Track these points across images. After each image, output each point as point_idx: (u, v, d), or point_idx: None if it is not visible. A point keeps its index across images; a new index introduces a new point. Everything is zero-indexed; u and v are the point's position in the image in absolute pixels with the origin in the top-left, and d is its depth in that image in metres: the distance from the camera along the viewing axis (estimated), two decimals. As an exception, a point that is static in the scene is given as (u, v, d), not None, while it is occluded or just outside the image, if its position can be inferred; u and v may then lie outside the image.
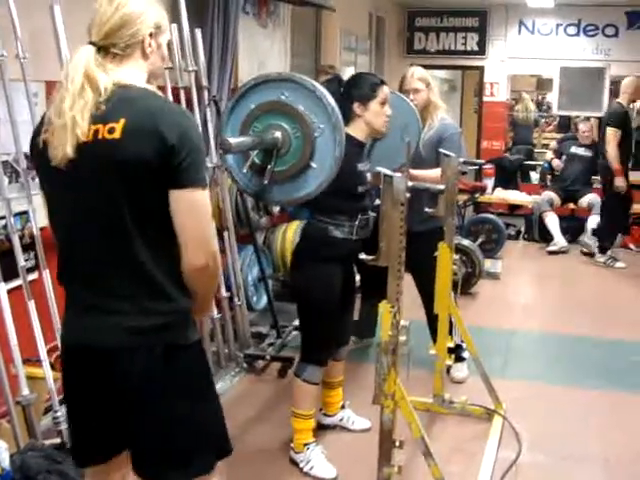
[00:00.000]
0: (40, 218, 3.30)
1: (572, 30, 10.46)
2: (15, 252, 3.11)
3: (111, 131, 1.81)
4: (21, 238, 3.26)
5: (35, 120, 3.25)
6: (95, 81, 1.83)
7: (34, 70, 3.28)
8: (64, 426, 3.15)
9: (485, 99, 10.93)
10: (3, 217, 3.16)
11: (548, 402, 4.23)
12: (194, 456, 1.98)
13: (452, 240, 3.73)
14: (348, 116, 3.16)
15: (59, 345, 3.23)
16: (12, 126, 3.15)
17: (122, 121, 1.81)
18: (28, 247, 3.35)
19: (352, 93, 3.27)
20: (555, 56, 10.43)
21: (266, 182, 2.63)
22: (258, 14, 5.74)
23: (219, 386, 4.15)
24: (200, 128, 4.35)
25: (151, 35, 1.92)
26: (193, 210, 1.85)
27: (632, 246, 8.35)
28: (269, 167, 2.61)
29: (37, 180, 3.33)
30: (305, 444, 3.38)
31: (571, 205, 8.56)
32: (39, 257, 3.24)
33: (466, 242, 6.48)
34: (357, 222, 3.21)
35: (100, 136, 1.82)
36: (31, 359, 3.16)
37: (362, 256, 2.60)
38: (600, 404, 4.22)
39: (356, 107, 3.25)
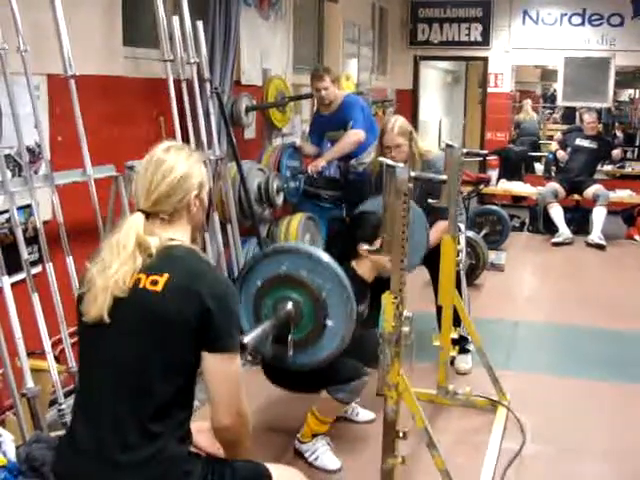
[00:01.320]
0: (43, 211, 3.32)
1: (577, 20, 10.42)
2: (19, 245, 3.12)
3: (154, 283, 1.89)
4: (24, 231, 3.26)
5: (37, 114, 3.28)
6: (146, 245, 1.92)
7: (35, 63, 3.28)
8: (69, 418, 3.16)
9: (489, 90, 10.91)
10: (6, 211, 3.16)
11: (552, 393, 4.23)
12: None
13: (456, 232, 3.73)
14: (354, 254, 3.30)
15: (63, 338, 3.25)
16: (14, 119, 3.15)
17: (166, 276, 1.89)
18: (31, 240, 3.36)
19: (356, 234, 3.36)
20: (559, 46, 10.40)
21: (290, 353, 2.72)
22: (260, 5, 5.72)
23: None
24: (202, 121, 4.37)
25: (196, 196, 2.03)
26: (224, 375, 1.93)
27: (637, 237, 8.33)
28: (289, 338, 2.70)
29: (40, 173, 3.37)
30: (314, 435, 3.38)
31: (576, 196, 8.54)
32: (42, 250, 3.24)
33: (470, 234, 6.46)
34: None
35: (141, 285, 1.89)
36: (35, 352, 3.16)
37: (365, 246, 2.61)
38: (604, 395, 4.21)
39: (360, 248, 3.33)
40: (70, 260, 3.32)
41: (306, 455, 3.37)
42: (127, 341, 1.90)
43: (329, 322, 2.71)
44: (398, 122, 4.05)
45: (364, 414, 3.75)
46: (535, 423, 3.75)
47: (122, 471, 1.87)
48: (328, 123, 5.59)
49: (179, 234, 2.01)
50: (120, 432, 1.88)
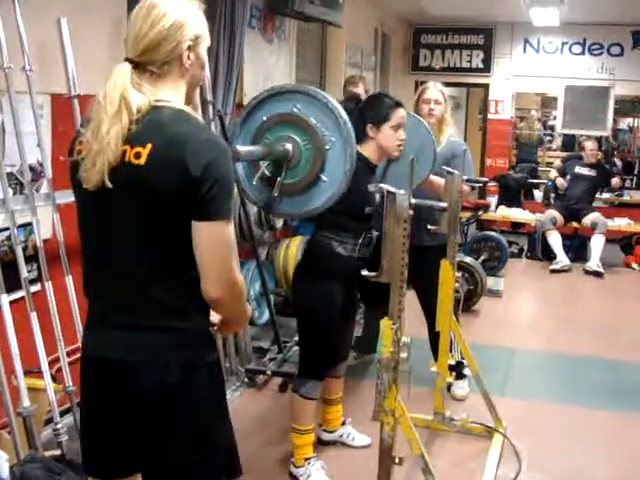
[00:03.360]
0: (44, 230, 3.33)
1: (577, 49, 10.51)
2: (18, 263, 3.12)
3: (137, 156, 1.77)
4: (24, 250, 3.27)
5: (40, 132, 3.30)
6: (129, 102, 1.77)
7: (40, 82, 3.30)
8: (64, 438, 3.16)
9: (490, 116, 10.98)
10: (7, 228, 3.17)
11: (549, 421, 4.22)
12: (206, 472, 1.97)
13: (454, 257, 3.74)
14: (361, 136, 3.17)
15: (61, 357, 3.25)
16: (17, 138, 3.17)
17: (149, 146, 1.77)
18: (31, 259, 3.36)
19: (366, 114, 3.29)
20: (560, 74, 10.47)
21: (275, 194, 2.61)
22: (264, 29, 5.77)
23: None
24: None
25: (190, 48, 1.85)
26: (213, 243, 1.81)
27: (635, 265, 8.35)
28: (279, 179, 2.59)
29: (41, 192, 3.38)
30: (306, 459, 3.37)
31: (574, 224, 8.56)
32: (42, 269, 3.24)
33: (468, 259, 6.49)
34: (361, 240, 3.21)
35: (127, 158, 1.78)
36: (32, 370, 3.15)
37: (364, 272, 2.60)
38: (601, 424, 4.20)
39: (369, 129, 3.27)
40: (69, 279, 3.33)
41: (300, 479, 3.36)
42: (116, 211, 1.83)
43: (324, 177, 2.59)
44: (438, 83, 4.37)
45: (360, 439, 3.74)
46: (531, 451, 3.74)
47: (129, 330, 1.88)
48: None
49: (169, 92, 1.85)
50: (132, 298, 1.88)
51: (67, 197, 3.40)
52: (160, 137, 1.77)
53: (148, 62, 1.82)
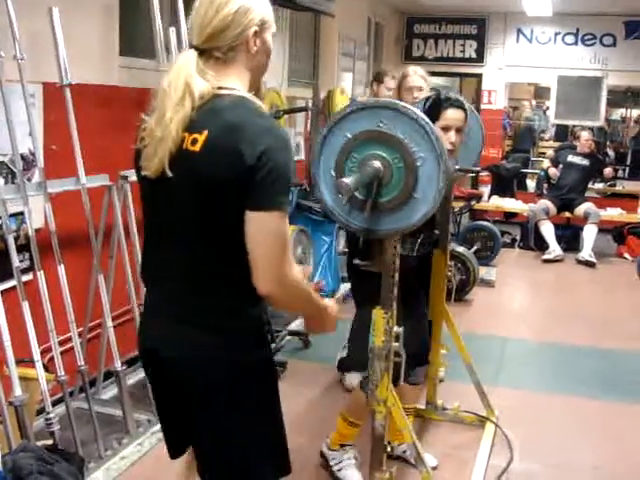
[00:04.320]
0: (36, 219, 3.32)
1: (570, 39, 10.50)
2: (10, 253, 3.11)
3: (194, 142, 1.76)
4: (16, 239, 3.26)
5: (32, 121, 3.28)
6: (192, 89, 1.77)
7: (31, 71, 3.28)
8: (56, 427, 3.15)
9: (483, 107, 10.96)
10: (-1, 217, 3.16)
11: (540, 410, 4.24)
12: (252, 469, 1.97)
13: (447, 246, 3.74)
14: None
15: (53, 346, 3.25)
16: (9, 127, 3.15)
17: (205, 133, 1.75)
18: (23, 248, 3.35)
19: (432, 114, 3.20)
20: (553, 65, 10.47)
21: (366, 215, 2.43)
22: (257, 19, 5.74)
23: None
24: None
25: (256, 33, 1.83)
26: (264, 235, 1.75)
27: (627, 255, 8.37)
28: (370, 200, 2.42)
29: (33, 181, 3.37)
30: (342, 445, 3.34)
31: (567, 214, 8.58)
32: (34, 258, 3.23)
33: (461, 249, 6.49)
34: (420, 239, 3.09)
35: (184, 146, 1.77)
36: (24, 360, 3.15)
37: (356, 261, 2.59)
38: (593, 413, 4.23)
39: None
40: (61, 268, 3.31)
41: (331, 463, 3.35)
42: (173, 199, 1.83)
43: (415, 195, 2.39)
44: (419, 68, 4.22)
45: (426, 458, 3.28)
46: (523, 439, 3.76)
47: (180, 324, 1.88)
48: None
49: (233, 79, 1.83)
50: (186, 290, 1.88)
51: (59, 186, 3.41)
52: (216, 124, 1.75)
53: (213, 48, 1.81)
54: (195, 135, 1.76)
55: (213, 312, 1.86)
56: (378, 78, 5.13)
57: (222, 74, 1.82)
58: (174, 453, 2.17)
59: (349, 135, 2.41)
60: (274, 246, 1.76)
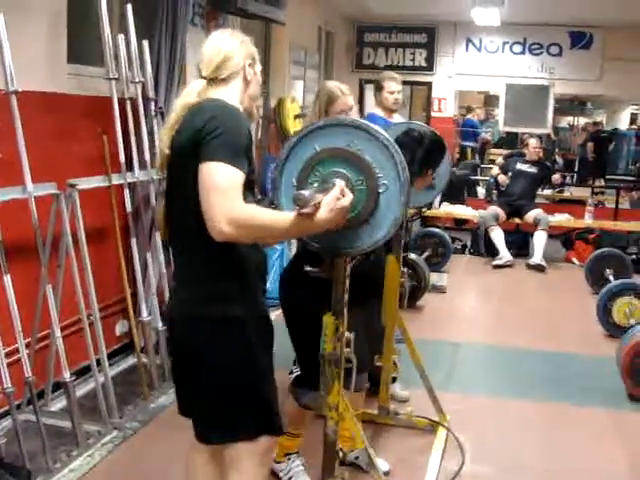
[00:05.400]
0: (4, 223, 3.25)
1: (518, 48, 10.69)
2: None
3: (178, 131, 2.23)
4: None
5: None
6: (185, 102, 2.27)
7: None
8: (2, 440, 3.10)
9: (433, 114, 11.08)
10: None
11: (491, 414, 4.29)
12: (236, 420, 2.27)
13: (400, 252, 3.77)
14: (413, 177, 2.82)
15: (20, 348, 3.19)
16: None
17: (182, 122, 2.23)
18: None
19: (431, 160, 3.37)
20: (501, 73, 10.64)
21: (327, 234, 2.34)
22: (206, 26, 5.73)
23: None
24: (145, 139, 4.34)
25: (250, 65, 2.35)
26: (206, 184, 2.03)
27: (575, 260, 8.52)
28: None
29: None
30: (286, 454, 3.33)
31: (516, 220, 8.70)
32: (1, 262, 3.18)
33: (413, 256, 6.53)
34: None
35: (173, 144, 2.24)
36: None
37: (307, 268, 2.59)
38: (542, 416, 4.29)
39: (428, 173, 3.38)
40: (7, 279, 3.26)
41: (280, 475, 3.33)
42: (173, 184, 2.27)
43: (371, 220, 2.36)
44: (342, 85, 3.58)
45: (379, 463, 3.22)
46: (474, 443, 3.80)
47: (178, 301, 2.33)
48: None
49: (228, 94, 2.29)
50: (179, 265, 2.35)
51: (5, 195, 3.35)
52: (194, 114, 2.18)
53: (217, 77, 2.30)
54: (179, 127, 2.23)
55: (195, 272, 2.24)
56: (378, 86, 5.12)
57: (218, 91, 2.29)
58: (181, 411, 2.44)
59: (317, 148, 2.39)
60: (215, 193, 2.01)
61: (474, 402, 4.45)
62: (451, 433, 3.85)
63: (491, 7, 8.43)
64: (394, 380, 4.27)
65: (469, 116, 13.71)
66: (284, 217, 2.13)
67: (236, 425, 2.28)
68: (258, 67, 2.41)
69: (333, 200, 2.13)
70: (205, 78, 2.30)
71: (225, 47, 2.32)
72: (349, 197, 2.19)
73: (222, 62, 2.29)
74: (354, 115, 3.77)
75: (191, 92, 2.27)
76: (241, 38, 2.38)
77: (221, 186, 2.01)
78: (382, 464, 3.36)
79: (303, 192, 2.17)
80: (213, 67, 2.29)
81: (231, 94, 2.30)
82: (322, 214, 2.11)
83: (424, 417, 3.97)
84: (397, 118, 5.08)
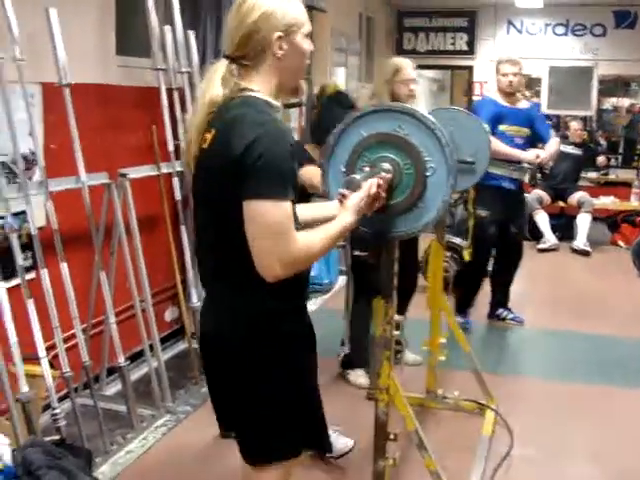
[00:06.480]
0: (38, 218, 3.35)
1: (560, 30, 10.56)
2: (14, 251, 3.15)
3: (205, 141, 1.90)
4: (19, 238, 3.29)
5: (33, 121, 3.32)
6: (206, 96, 1.91)
7: (30, 72, 3.31)
8: (63, 423, 3.20)
9: (475, 98, 11.00)
10: (1, 217, 3.19)
11: (540, 397, 4.29)
12: (275, 438, 2.03)
13: (443, 236, 3.79)
14: None
15: (57, 343, 3.29)
16: (10, 127, 3.18)
17: (212, 132, 1.88)
18: (26, 247, 3.38)
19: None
20: (544, 55, 10.52)
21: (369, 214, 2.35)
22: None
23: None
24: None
25: (280, 38, 1.89)
26: (255, 224, 1.78)
27: (621, 243, 8.43)
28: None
29: (34, 180, 3.40)
30: None
31: (560, 203, 8.63)
32: (37, 256, 3.27)
33: (457, 240, 6.51)
34: None
35: (202, 145, 1.92)
36: (30, 357, 3.18)
37: (356, 252, 2.63)
38: (591, 399, 4.28)
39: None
40: (64, 266, 3.35)
41: None
42: (202, 192, 1.97)
43: (420, 203, 2.37)
44: (407, 60, 4.21)
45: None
46: (523, 426, 3.80)
47: (205, 315, 2.08)
48: (510, 115, 5.31)
49: (257, 82, 1.92)
50: (206, 277, 2.06)
51: (60, 185, 3.44)
52: (221, 122, 1.87)
53: (241, 56, 1.91)
54: (207, 134, 1.89)
55: (232, 291, 1.96)
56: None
57: (248, 78, 1.91)
58: (222, 430, 2.31)
59: (364, 134, 2.41)
60: (267, 236, 1.79)
61: (522, 385, 4.46)
62: (499, 416, 3.86)
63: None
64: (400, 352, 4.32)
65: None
66: (332, 227, 1.99)
67: (283, 444, 2.06)
68: (300, 35, 1.95)
69: (358, 200, 2.09)
70: (228, 57, 1.93)
71: (250, 16, 1.88)
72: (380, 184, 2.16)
73: (245, 38, 1.89)
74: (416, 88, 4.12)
75: (214, 80, 1.91)
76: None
77: (272, 228, 1.78)
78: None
79: (355, 176, 2.21)
80: (235, 44, 1.91)
81: (263, 83, 1.93)
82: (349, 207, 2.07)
83: (472, 400, 3.98)
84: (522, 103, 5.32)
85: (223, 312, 1.97)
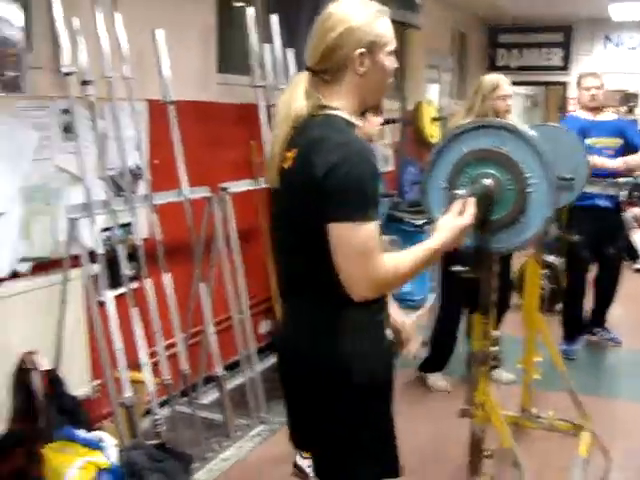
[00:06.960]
0: (142, 229, 3.49)
1: (659, 43, 10.30)
2: (120, 261, 3.28)
3: (287, 160, 1.86)
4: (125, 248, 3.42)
5: (139, 137, 3.46)
6: (289, 110, 1.87)
7: (137, 90, 3.46)
8: (163, 427, 3.30)
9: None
10: (109, 228, 3.33)
11: (636, 420, 4.18)
12: (357, 473, 1.98)
13: (540, 254, 3.75)
14: None
15: (159, 351, 3.38)
16: (118, 143, 3.33)
17: (294, 151, 1.84)
18: (130, 257, 3.51)
19: None
20: (642, 70, 10.27)
21: (480, 233, 2.42)
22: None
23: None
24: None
25: (362, 54, 1.84)
26: (342, 247, 1.76)
27: None
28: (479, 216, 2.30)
29: (139, 193, 3.54)
30: None
31: (658, 221, 8.38)
32: (141, 266, 3.40)
33: (552, 258, 6.42)
34: None
35: (284, 163, 1.87)
36: (135, 363, 3.30)
37: (455, 268, 2.63)
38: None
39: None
40: (167, 276, 3.47)
41: (307, 471, 3.28)
42: (284, 210, 1.92)
43: (522, 219, 2.39)
44: (502, 76, 4.29)
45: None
46: (620, 450, 3.72)
47: (292, 329, 2.00)
48: (595, 128, 5.22)
49: (338, 99, 1.87)
50: (290, 296, 1.99)
51: (164, 198, 3.57)
52: (303, 142, 1.83)
53: (322, 70, 1.86)
54: (288, 153, 1.85)
55: (314, 329, 1.91)
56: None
57: (329, 94, 1.87)
58: (294, 447, 2.21)
59: (465, 150, 2.43)
60: (353, 258, 1.76)
61: (620, 408, 4.35)
62: (596, 437, 3.78)
63: (629, 1, 8.19)
64: (496, 367, 4.31)
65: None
66: (422, 248, 1.91)
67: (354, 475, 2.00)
68: (384, 52, 1.89)
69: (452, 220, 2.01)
70: (309, 69, 1.88)
71: (335, 30, 1.83)
72: (468, 213, 2.03)
73: (328, 51, 1.83)
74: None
75: (297, 93, 1.86)
76: (367, 12, 1.86)
77: (358, 250, 1.75)
78: None
79: (459, 192, 2.22)
80: (317, 58, 1.85)
81: (344, 100, 1.88)
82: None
83: (567, 420, 3.91)
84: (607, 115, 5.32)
85: (306, 328, 1.93)
